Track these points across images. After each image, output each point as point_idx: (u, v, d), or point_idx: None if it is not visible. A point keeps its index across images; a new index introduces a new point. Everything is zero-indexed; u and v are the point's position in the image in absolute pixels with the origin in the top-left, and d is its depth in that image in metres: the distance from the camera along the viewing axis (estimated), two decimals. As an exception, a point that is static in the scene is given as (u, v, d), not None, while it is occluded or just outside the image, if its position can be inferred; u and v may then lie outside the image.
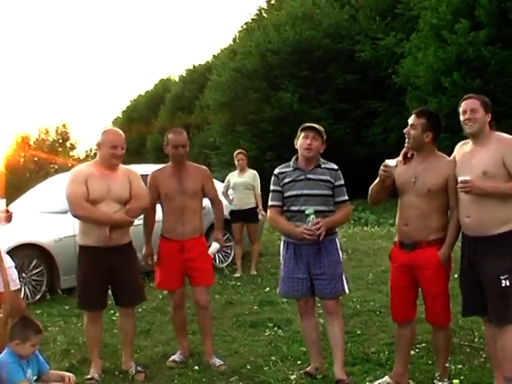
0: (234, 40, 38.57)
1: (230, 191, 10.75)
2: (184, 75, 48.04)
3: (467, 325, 6.35)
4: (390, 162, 4.93)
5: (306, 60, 27.21)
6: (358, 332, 6.64)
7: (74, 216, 5.59)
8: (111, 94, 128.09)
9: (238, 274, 10.33)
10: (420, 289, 5.08)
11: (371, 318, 7.18)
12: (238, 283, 9.61)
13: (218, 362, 5.81)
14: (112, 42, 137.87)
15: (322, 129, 5.36)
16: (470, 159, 4.73)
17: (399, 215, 5.10)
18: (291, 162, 5.38)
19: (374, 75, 25.77)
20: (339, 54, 27.15)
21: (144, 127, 47.56)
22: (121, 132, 5.74)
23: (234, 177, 10.84)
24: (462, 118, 4.79)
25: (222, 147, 29.85)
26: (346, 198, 5.34)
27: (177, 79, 50.17)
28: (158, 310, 7.87)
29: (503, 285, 4.55)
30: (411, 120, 4.97)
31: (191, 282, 5.98)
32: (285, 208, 5.31)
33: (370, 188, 5.18)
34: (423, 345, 5.97)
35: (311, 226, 5.03)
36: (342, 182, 5.32)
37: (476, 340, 6.02)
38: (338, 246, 5.37)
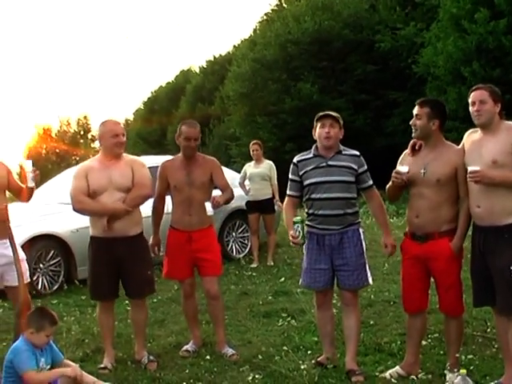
0: (255, 31, 38.43)
1: (247, 182, 10.77)
2: (204, 66, 47.99)
3: (480, 315, 6.34)
4: (402, 169, 4.94)
5: (325, 50, 27.05)
6: (372, 322, 6.65)
7: (74, 210, 5.70)
8: (132, 85, 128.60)
9: (254, 265, 10.36)
10: (433, 279, 5.09)
11: (385, 309, 7.19)
12: (254, 274, 9.65)
13: (230, 351, 5.84)
14: (135, 35, 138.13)
15: (337, 115, 5.33)
16: (480, 148, 4.72)
17: (410, 207, 5.10)
18: (312, 150, 5.35)
19: (394, 65, 25.55)
20: (359, 45, 26.95)
21: (165, 118, 47.61)
22: (119, 121, 5.83)
23: (250, 168, 10.86)
24: (471, 109, 4.78)
25: (242, 138, 29.76)
26: (371, 182, 5.33)
27: (197, 70, 50.13)
28: (173, 300, 7.91)
29: None
30: (415, 110, 4.98)
31: (200, 272, 6.02)
32: (306, 196, 5.29)
33: (386, 189, 5.21)
34: (435, 335, 5.96)
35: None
36: (366, 167, 5.31)
37: (489, 330, 6.01)
38: (362, 237, 5.34)
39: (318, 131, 5.26)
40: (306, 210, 5.36)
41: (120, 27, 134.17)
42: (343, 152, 5.28)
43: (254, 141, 11.24)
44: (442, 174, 4.86)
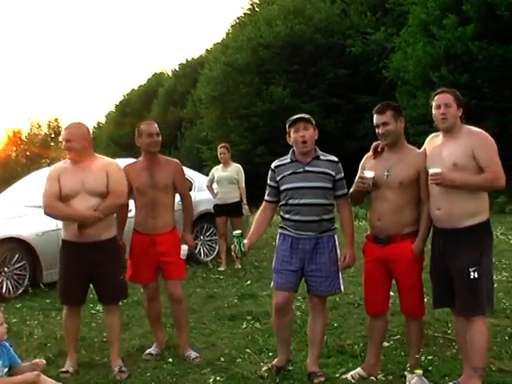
0: (227, 34, 38.58)
1: (215, 185, 10.77)
2: (177, 69, 48.00)
3: (442, 316, 6.39)
4: (368, 174, 4.93)
5: (297, 54, 27.23)
6: (336, 324, 6.67)
7: (45, 214, 5.62)
8: (104, 88, 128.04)
9: (222, 268, 10.35)
10: (394, 281, 5.13)
11: (350, 311, 7.21)
12: (221, 277, 9.65)
13: (193, 354, 5.82)
14: (106, 38, 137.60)
15: (308, 116, 5.26)
16: (441, 152, 4.77)
17: (372, 210, 5.13)
18: (289, 155, 5.27)
19: (365, 70, 25.84)
20: (330, 49, 27.17)
21: (137, 121, 47.11)
22: (70, 125, 5.67)
23: (218, 171, 10.86)
24: (434, 111, 4.81)
25: (213, 141, 29.79)
26: (346, 191, 5.25)
27: (170, 73, 50.11)
28: (138, 303, 7.84)
29: (472, 277, 4.60)
30: (380, 119, 4.95)
31: (163, 276, 5.97)
32: (283, 202, 5.22)
33: (350, 193, 5.21)
34: (397, 337, 5.99)
35: None
36: (343, 174, 5.24)
37: (450, 331, 6.05)
38: (337, 243, 5.27)
39: (293, 136, 5.17)
40: (282, 214, 5.30)
41: (94, 29, 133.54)
42: (321, 157, 5.21)
43: (222, 144, 11.24)
44: (405, 177, 4.90)
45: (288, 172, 5.18)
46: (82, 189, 5.42)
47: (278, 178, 5.21)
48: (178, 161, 6.18)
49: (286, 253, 5.19)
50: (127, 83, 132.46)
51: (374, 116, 4.99)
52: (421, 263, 5.04)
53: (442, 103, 4.76)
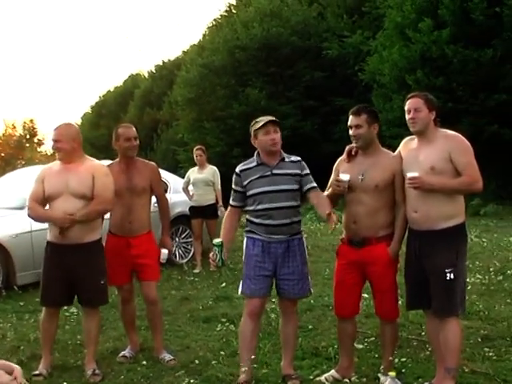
0: (204, 36, 38.48)
1: (190, 187, 10.77)
2: (153, 71, 47.83)
3: (416, 319, 6.45)
4: (344, 177, 4.94)
5: (273, 57, 27.22)
6: (310, 327, 6.69)
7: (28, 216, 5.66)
8: (80, 89, 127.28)
9: (197, 270, 10.34)
10: (369, 284, 5.16)
11: (324, 313, 7.23)
12: (196, 279, 9.64)
13: (167, 357, 5.82)
14: (83, 37, 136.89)
15: (277, 119, 5.23)
16: (417, 156, 4.81)
17: (347, 213, 5.14)
18: (254, 158, 5.21)
19: (341, 72, 25.88)
20: (307, 51, 27.19)
21: (113, 123, 47.07)
22: (59, 126, 5.61)
23: (193, 173, 10.86)
24: (406, 116, 4.87)
25: (189, 143, 29.72)
26: (315, 184, 5.19)
27: (146, 75, 49.93)
28: (112, 305, 7.75)
29: (448, 278, 4.65)
30: (354, 121, 4.98)
31: (138, 277, 5.97)
32: (252, 207, 5.13)
33: (326, 194, 5.18)
34: (372, 339, 6.05)
35: None
36: (308, 170, 5.21)
37: (423, 334, 6.08)
38: (305, 246, 5.28)
39: (262, 138, 5.11)
40: (251, 218, 5.21)
41: (71, 28, 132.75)
42: (286, 159, 5.18)
43: (198, 146, 11.26)
44: (380, 180, 4.93)
45: (255, 176, 5.11)
46: (66, 190, 5.40)
47: (245, 183, 5.14)
48: (154, 164, 6.18)
49: (258, 258, 5.11)
50: (103, 84, 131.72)
51: (350, 116, 5.02)
52: (395, 266, 5.08)
53: (411, 108, 4.83)
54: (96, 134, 50.77)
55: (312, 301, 7.63)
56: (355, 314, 5.25)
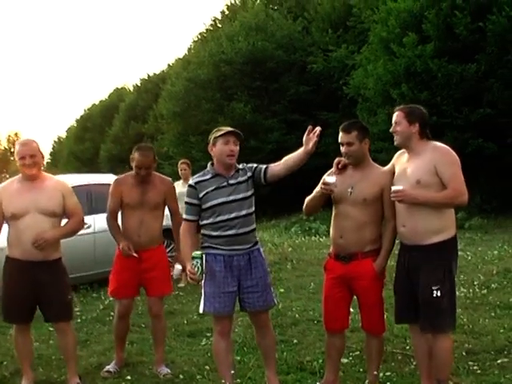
0: (189, 50, 38.61)
1: (175, 201, 10.73)
2: (138, 84, 47.89)
3: (401, 333, 6.46)
4: (329, 179, 4.90)
5: (259, 71, 27.32)
6: (295, 341, 6.68)
7: None
8: (65, 102, 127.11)
9: (182, 284, 10.29)
10: (356, 298, 5.16)
11: (309, 327, 7.23)
12: (181, 293, 9.61)
13: (165, 370, 5.88)
14: (68, 50, 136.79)
15: (240, 133, 5.13)
16: (406, 169, 4.84)
17: (334, 226, 5.13)
18: (208, 169, 5.11)
19: (326, 86, 26.01)
20: (292, 66, 27.32)
21: (98, 136, 47.20)
22: (30, 141, 5.50)
23: (178, 187, 10.74)
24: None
25: (174, 157, 29.71)
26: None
27: (131, 88, 50.00)
28: (97, 320, 7.84)
29: (434, 295, 4.66)
30: (345, 138, 4.95)
31: (147, 292, 6.03)
32: (210, 220, 5.00)
33: (307, 200, 5.19)
34: (357, 353, 6.06)
35: None
36: (254, 163, 5.17)
37: (408, 348, 6.10)
38: (263, 255, 5.22)
39: (220, 148, 5.00)
40: (208, 232, 5.04)
41: (57, 40, 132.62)
42: (240, 170, 5.11)
43: (182, 160, 11.27)
44: (369, 194, 4.93)
45: (211, 188, 5.00)
46: (34, 207, 5.31)
47: (201, 195, 5.00)
48: (170, 180, 6.23)
49: (220, 274, 4.99)
50: (88, 98, 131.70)
51: (340, 133, 4.99)
52: (382, 281, 5.09)
53: (393, 121, 4.90)
54: (81, 147, 50.78)
55: (297, 315, 7.65)
56: (344, 329, 5.24)
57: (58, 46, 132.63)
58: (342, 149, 4.99)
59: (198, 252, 4.96)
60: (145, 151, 5.94)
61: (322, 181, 4.95)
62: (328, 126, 24.98)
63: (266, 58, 27.14)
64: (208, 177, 5.07)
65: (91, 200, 9.92)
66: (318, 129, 4.85)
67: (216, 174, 5.06)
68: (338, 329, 5.18)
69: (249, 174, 5.08)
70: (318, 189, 5.02)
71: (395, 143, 4.91)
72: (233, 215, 4.95)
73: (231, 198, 4.99)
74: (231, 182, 5.03)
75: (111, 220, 6.02)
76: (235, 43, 27.97)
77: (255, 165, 5.14)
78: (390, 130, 4.88)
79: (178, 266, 6.00)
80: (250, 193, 5.07)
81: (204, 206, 5.02)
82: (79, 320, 7.74)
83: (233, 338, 6.47)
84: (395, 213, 4.89)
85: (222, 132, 5.05)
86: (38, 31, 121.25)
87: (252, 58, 27.24)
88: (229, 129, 5.09)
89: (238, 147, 5.06)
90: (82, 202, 9.48)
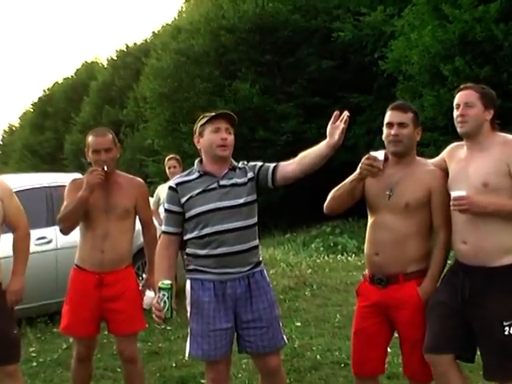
0: (180, 14, 38.76)
1: (161, 209, 10.69)
2: (114, 58, 48.06)
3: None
4: (378, 155, 4.75)
5: (269, 41, 27.35)
6: (316, 391, 6.69)
7: None
8: (20, 81, 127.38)
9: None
10: (397, 334, 5.10)
11: (335, 373, 7.18)
12: (168, 327, 9.57)
13: None
14: (24, 16, 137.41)
15: (233, 115, 5.01)
16: (466, 167, 4.73)
17: (369, 241, 5.07)
18: (195, 167, 5.05)
19: (357, 61, 25.94)
20: (312, 34, 27.31)
21: (61, 125, 47.38)
22: None
23: (165, 190, 10.78)
24: (454, 113, 4.80)
25: (161, 151, 29.77)
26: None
27: (105, 63, 50.18)
28: (59, 363, 7.82)
29: (506, 333, 4.54)
30: (398, 117, 4.89)
31: (110, 329, 5.95)
32: (194, 233, 4.91)
33: (334, 190, 5.06)
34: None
35: None
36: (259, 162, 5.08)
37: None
38: (268, 279, 5.11)
39: (210, 137, 4.93)
40: (194, 251, 4.96)
41: (13, 12, 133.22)
42: (236, 169, 5.03)
43: (171, 155, 11.24)
44: (412, 198, 4.85)
45: (197, 191, 4.89)
46: None
47: (184, 200, 4.90)
48: (141, 180, 6.14)
49: (210, 305, 4.88)
50: (49, 75, 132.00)
51: (390, 112, 4.93)
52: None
53: (462, 102, 4.75)
54: (40, 138, 50.94)
55: (318, 356, 7.62)
56: (379, 373, 5.20)
57: (11, 11, 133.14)
58: (392, 130, 4.89)
59: (167, 282, 4.77)
60: (98, 131, 5.94)
61: (364, 158, 4.78)
62: (359, 112, 25.13)
63: (279, 25, 27.14)
64: (194, 176, 5.01)
65: (52, 207, 9.83)
66: (345, 113, 4.71)
67: (204, 173, 4.99)
68: (370, 373, 5.13)
69: (250, 174, 4.99)
70: (355, 173, 4.88)
71: (462, 130, 4.74)
72: (224, 227, 4.83)
73: (223, 203, 4.87)
74: (223, 182, 4.93)
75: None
76: (239, 5, 28.00)
77: (260, 163, 5.07)
78: (458, 112, 4.73)
79: (150, 294, 5.82)
80: (250, 198, 4.94)
81: (187, 215, 4.93)
82: (35, 363, 7.74)
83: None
84: (449, 223, 4.81)
85: (210, 116, 4.96)
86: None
87: (260, 24, 27.26)
88: (219, 112, 4.99)
89: (232, 136, 4.97)
90: (40, 209, 9.58)
